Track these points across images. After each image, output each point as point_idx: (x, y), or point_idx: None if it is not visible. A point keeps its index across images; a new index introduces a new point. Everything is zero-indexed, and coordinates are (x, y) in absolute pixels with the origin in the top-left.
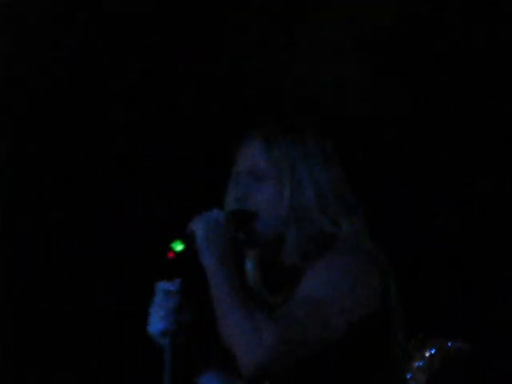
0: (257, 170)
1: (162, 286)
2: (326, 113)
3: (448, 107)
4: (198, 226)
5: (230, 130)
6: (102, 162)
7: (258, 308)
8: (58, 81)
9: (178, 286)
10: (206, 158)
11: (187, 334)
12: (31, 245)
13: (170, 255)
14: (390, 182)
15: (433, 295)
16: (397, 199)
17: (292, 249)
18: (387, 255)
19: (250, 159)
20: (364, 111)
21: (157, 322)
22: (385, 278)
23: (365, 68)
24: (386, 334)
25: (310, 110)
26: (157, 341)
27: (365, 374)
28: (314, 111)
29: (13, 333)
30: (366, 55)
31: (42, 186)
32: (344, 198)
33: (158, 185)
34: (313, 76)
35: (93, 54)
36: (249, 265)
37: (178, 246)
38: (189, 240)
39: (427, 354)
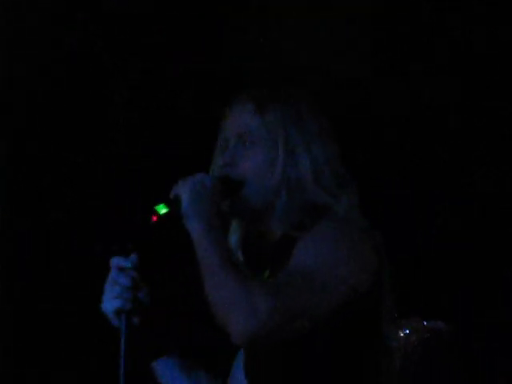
0: (247, 133)
1: (117, 261)
2: (326, 113)
3: (448, 107)
4: (183, 190)
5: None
6: (101, 162)
7: (250, 275)
8: (58, 81)
9: (134, 261)
10: (205, 158)
11: (143, 314)
12: (31, 245)
13: (154, 219)
14: (390, 182)
15: (433, 295)
16: (397, 199)
17: (282, 218)
18: (387, 255)
19: (241, 123)
20: (364, 111)
21: (111, 299)
22: (378, 253)
23: (365, 68)
24: (378, 312)
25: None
26: (111, 320)
27: (355, 353)
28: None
29: (13, 333)
30: (366, 55)
31: (42, 186)
32: (338, 172)
33: (158, 185)
34: (313, 76)
35: (93, 54)
36: (232, 238)
37: (162, 210)
38: (173, 204)
39: (401, 335)
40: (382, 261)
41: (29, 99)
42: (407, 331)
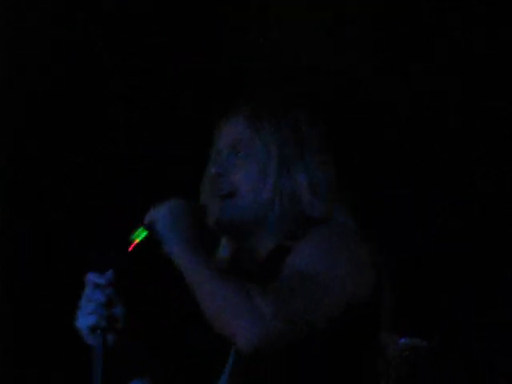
0: (241, 144)
1: (92, 277)
2: (327, 113)
3: (448, 107)
4: (157, 216)
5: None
6: (102, 162)
7: (247, 283)
8: (58, 81)
9: (109, 278)
10: (205, 158)
11: (118, 333)
12: (31, 245)
13: (130, 248)
14: (390, 182)
15: (433, 295)
16: (397, 199)
17: (275, 230)
18: (387, 255)
19: (235, 133)
20: (364, 111)
21: (85, 316)
22: (374, 257)
23: (365, 68)
24: (377, 316)
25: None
26: (85, 338)
27: (352, 358)
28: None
29: (13, 333)
30: (366, 55)
31: (42, 186)
32: (334, 184)
33: (158, 185)
34: (313, 76)
35: (93, 54)
36: (222, 253)
37: (138, 237)
38: (148, 230)
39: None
40: (379, 266)
41: (29, 99)
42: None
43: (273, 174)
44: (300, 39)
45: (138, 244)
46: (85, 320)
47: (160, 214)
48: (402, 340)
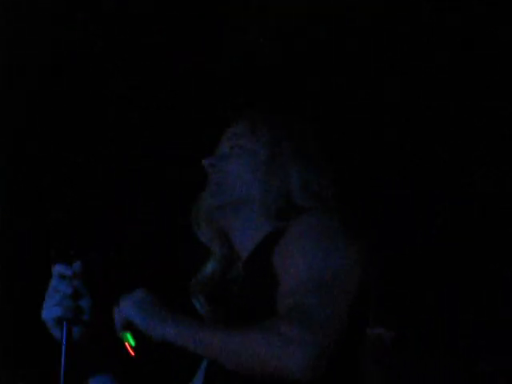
0: (236, 140)
1: (58, 268)
2: (328, 113)
3: (448, 107)
4: (127, 312)
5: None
6: (102, 162)
7: (259, 320)
8: (58, 81)
9: (77, 269)
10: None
11: (84, 325)
12: (31, 245)
13: (132, 354)
14: (390, 182)
15: (433, 295)
16: (397, 199)
17: (261, 208)
18: (387, 255)
19: (231, 133)
20: (364, 111)
21: (51, 308)
22: (364, 260)
23: (365, 68)
24: (367, 311)
25: (311, 108)
26: (50, 329)
27: (349, 353)
28: (315, 110)
29: (13, 333)
30: (366, 55)
31: (42, 186)
32: (329, 189)
33: (158, 185)
34: (313, 76)
35: (93, 54)
36: (210, 265)
37: (131, 342)
38: (128, 329)
39: None
40: (367, 264)
41: (29, 99)
42: None
43: (264, 170)
44: (300, 39)
45: (130, 346)
46: (50, 311)
47: (128, 310)
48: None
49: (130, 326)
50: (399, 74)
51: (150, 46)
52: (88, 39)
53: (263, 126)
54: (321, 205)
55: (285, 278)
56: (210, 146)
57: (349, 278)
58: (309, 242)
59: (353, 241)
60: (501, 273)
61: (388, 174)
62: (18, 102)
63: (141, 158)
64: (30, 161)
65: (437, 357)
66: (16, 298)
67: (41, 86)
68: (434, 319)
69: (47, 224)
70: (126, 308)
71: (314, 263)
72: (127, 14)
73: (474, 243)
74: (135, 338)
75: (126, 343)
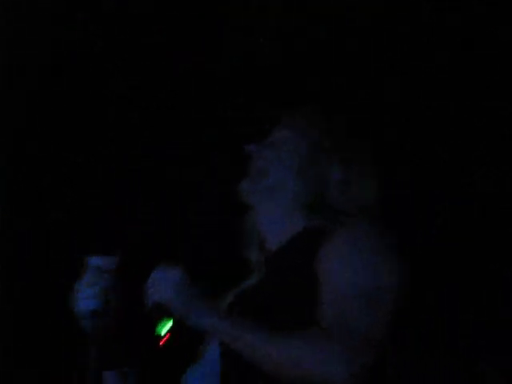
0: (277, 136)
1: (96, 261)
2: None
3: (448, 107)
4: (165, 296)
5: (230, 129)
6: (102, 162)
7: (299, 330)
8: (58, 81)
9: (114, 264)
10: (205, 158)
11: (112, 319)
12: (31, 245)
13: (162, 341)
14: (390, 182)
15: (432, 295)
16: (397, 199)
17: (295, 198)
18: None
19: (276, 131)
20: (364, 111)
21: (87, 300)
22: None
23: (365, 68)
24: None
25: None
26: (82, 321)
27: None
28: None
29: (13, 333)
30: (365, 55)
31: (42, 186)
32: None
33: (158, 185)
34: (313, 77)
35: (93, 54)
36: (253, 254)
37: (164, 329)
38: (160, 314)
39: None
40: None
41: (29, 99)
42: None
43: (302, 161)
44: (299, 39)
45: (168, 338)
46: (85, 304)
47: (166, 294)
48: None
49: (162, 309)
50: (399, 74)
51: (150, 45)
52: (88, 39)
53: (313, 123)
54: (363, 213)
55: (326, 288)
56: (210, 145)
57: (390, 294)
58: (355, 257)
59: (396, 258)
60: (501, 273)
61: (388, 174)
62: (18, 102)
63: (141, 158)
64: (30, 161)
65: (437, 357)
66: (16, 298)
67: (41, 86)
68: (434, 319)
69: (47, 224)
70: (163, 290)
71: (359, 280)
72: (127, 14)
73: (474, 243)
74: (164, 322)
75: (160, 330)
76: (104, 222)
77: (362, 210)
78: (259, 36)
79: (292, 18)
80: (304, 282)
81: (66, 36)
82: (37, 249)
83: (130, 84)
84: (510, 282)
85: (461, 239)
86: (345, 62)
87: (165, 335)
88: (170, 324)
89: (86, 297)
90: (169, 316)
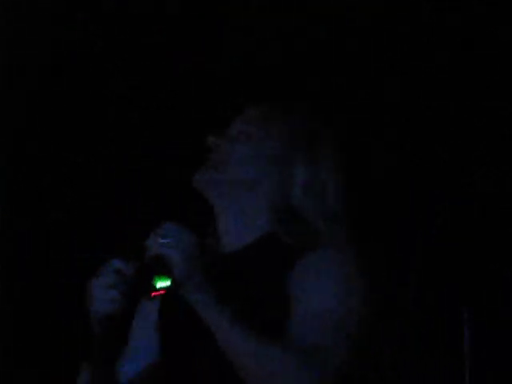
0: (245, 128)
1: (118, 264)
2: (327, 113)
3: (448, 107)
4: (170, 252)
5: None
6: (102, 162)
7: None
8: (58, 81)
9: (133, 269)
10: (205, 158)
11: (123, 324)
12: (31, 245)
13: (154, 294)
14: (390, 182)
15: (432, 295)
16: (397, 199)
17: (262, 201)
18: (387, 255)
19: (242, 119)
20: (364, 111)
21: (105, 302)
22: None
23: (365, 67)
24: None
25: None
26: (97, 323)
27: None
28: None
29: (13, 333)
30: (365, 55)
31: (42, 186)
32: (336, 195)
33: (158, 185)
34: (313, 77)
35: (93, 54)
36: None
37: (161, 283)
38: (160, 269)
39: None
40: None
41: (29, 99)
42: None
43: (268, 163)
44: (299, 40)
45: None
46: (103, 306)
47: (173, 251)
48: None
49: (163, 264)
50: (399, 74)
51: (150, 45)
52: (88, 39)
53: (276, 119)
54: (330, 228)
55: (298, 306)
56: (209, 146)
57: (360, 316)
58: (329, 281)
59: (366, 280)
60: (501, 273)
61: (388, 174)
62: (18, 102)
63: (141, 158)
64: (30, 161)
65: (437, 357)
66: (16, 298)
67: (41, 86)
68: (434, 319)
69: (47, 224)
70: (174, 246)
71: (332, 304)
72: (127, 14)
73: (474, 243)
74: (163, 277)
75: (156, 282)
76: (104, 222)
77: (328, 223)
78: (259, 36)
79: (292, 18)
80: (267, 289)
81: (66, 36)
82: (37, 249)
83: (130, 84)
84: (510, 282)
85: (461, 239)
86: (345, 62)
87: (159, 290)
88: (168, 283)
89: (103, 299)
90: (168, 274)
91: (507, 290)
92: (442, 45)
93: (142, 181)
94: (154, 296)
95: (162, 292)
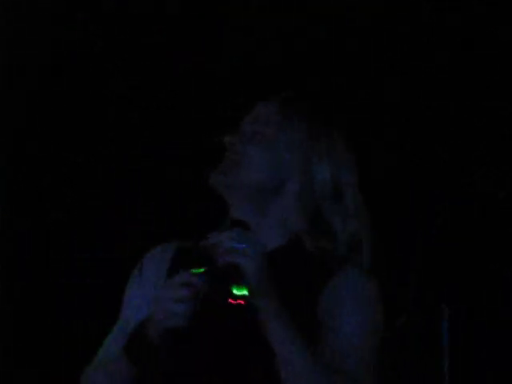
0: (264, 124)
1: (188, 277)
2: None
3: (448, 107)
4: (246, 263)
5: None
6: (102, 162)
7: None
8: (58, 81)
9: (201, 281)
10: (205, 158)
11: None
12: (31, 245)
13: (233, 301)
14: (389, 182)
15: (432, 295)
16: (397, 199)
17: (297, 204)
18: (387, 255)
19: (261, 113)
20: (364, 111)
21: (174, 316)
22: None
23: (365, 67)
24: None
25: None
26: (157, 337)
27: None
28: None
29: (13, 333)
30: (366, 55)
31: (42, 186)
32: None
33: (158, 185)
34: (313, 77)
35: (93, 54)
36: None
37: (240, 292)
38: (237, 278)
39: None
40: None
41: (29, 99)
42: None
43: (290, 165)
44: (299, 40)
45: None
46: (172, 321)
47: (250, 263)
48: None
49: (239, 273)
50: (399, 74)
51: (150, 45)
52: (88, 39)
53: (295, 119)
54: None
55: (330, 335)
56: (209, 146)
57: (379, 339)
58: (358, 305)
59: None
60: (501, 273)
61: (388, 174)
62: (18, 102)
63: (141, 158)
64: (30, 161)
65: (437, 356)
66: (16, 298)
67: (41, 86)
68: (435, 319)
69: (47, 224)
70: (250, 256)
71: (361, 326)
72: (127, 14)
73: (474, 243)
74: (241, 287)
75: (236, 290)
76: (104, 222)
77: (352, 247)
78: (259, 36)
79: (292, 18)
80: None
81: (66, 36)
82: (37, 249)
83: (130, 84)
84: (510, 282)
85: (461, 239)
86: (345, 62)
87: (238, 298)
88: (246, 292)
89: (171, 312)
90: (246, 284)
91: (507, 290)
92: (442, 45)
93: (142, 181)
94: (230, 304)
95: (239, 301)
